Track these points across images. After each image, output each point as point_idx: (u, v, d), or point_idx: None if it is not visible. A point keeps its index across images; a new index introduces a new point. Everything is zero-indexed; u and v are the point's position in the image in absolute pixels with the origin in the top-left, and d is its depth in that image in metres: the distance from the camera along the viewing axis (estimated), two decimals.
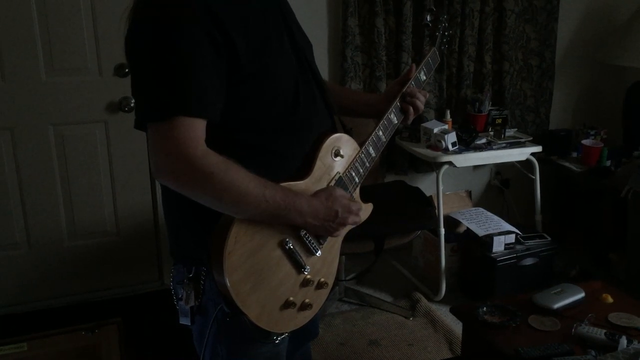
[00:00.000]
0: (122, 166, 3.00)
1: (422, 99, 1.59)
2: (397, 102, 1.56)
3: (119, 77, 2.87)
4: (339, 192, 1.35)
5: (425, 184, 3.56)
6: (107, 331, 2.17)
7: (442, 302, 3.14)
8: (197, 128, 1.16)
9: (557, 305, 2.16)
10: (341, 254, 2.98)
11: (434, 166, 3.23)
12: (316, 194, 1.31)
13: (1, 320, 2.81)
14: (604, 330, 1.97)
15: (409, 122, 1.61)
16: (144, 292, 3.11)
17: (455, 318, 2.35)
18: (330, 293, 3.10)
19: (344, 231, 1.39)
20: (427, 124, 3.27)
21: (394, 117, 1.56)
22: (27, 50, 2.74)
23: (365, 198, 1.51)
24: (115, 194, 3.04)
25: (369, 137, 1.49)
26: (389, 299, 3.21)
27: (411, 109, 1.58)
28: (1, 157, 2.82)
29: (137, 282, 3.16)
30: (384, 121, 1.53)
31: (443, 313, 2.99)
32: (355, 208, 1.36)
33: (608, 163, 3.36)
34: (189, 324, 1.37)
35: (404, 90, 1.58)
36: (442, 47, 1.83)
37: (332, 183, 1.37)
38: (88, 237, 3.05)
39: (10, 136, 2.81)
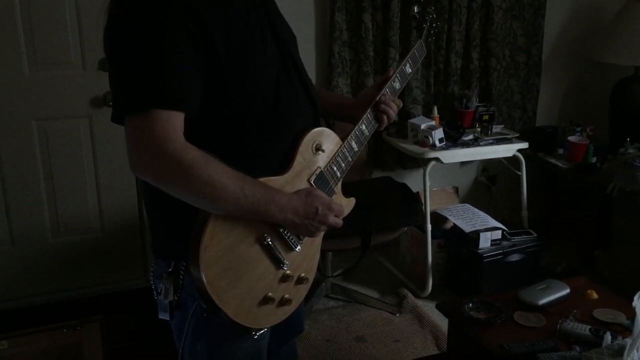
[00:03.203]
0: (107, 162, 2.98)
1: (395, 108, 1.56)
2: (370, 110, 1.53)
3: (103, 71, 2.84)
4: (320, 191, 1.34)
5: (412, 180, 3.55)
6: (89, 329, 2.14)
7: (429, 298, 3.13)
8: (174, 121, 1.15)
9: (542, 302, 2.16)
10: (328, 250, 2.99)
11: (421, 162, 3.23)
12: (296, 191, 1.30)
13: None
14: (589, 326, 1.97)
15: (382, 129, 1.58)
16: (129, 288, 3.08)
17: (441, 314, 2.34)
18: (316, 289, 3.10)
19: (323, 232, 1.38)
20: (414, 120, 3.27)
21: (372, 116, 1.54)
22: (10, 44, 2.70)
23: (351, 194, 1.50)
24: (100, 189, 3.01)
25: (351, 131, 1.48)
26: (375, 295, 3.20)
27: (385, 117, 1.55)
28: None
29: (122, 279, 3.13)
30: (367, 115, 1.52)
31: (429, 309, 2.99)
32: (336, 207, 1.35)
33: (594, 160, 3.37)
34: (168, 319, 1.36)
35: (378, 98, 1.54)
36: (430, 39, 1.80)
37: (313, 177, 1.36)
38: (72, 234, 3.02)
39: None
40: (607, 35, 3.48)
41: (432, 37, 1.83)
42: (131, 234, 3.13)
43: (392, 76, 1.60)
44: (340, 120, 1.61)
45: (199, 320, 1.30)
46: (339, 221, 1.37)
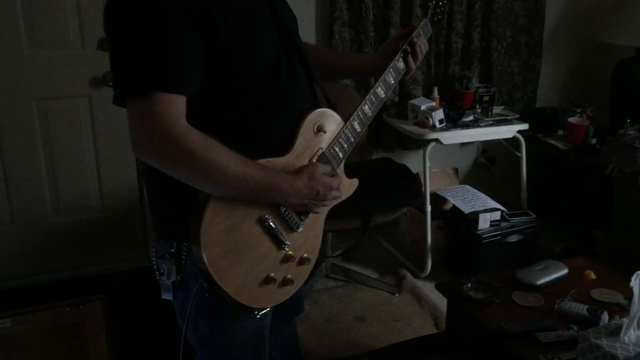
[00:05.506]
0: (107, 141, 2.97)
1: (424, 48, 1.60)
2: (399, 55, 1.55)
3: (102, 50, 2.82)
4: (321, 169, 1.34)
5: (412, 161, 3.55)
6: (92, 307, 2.15)
7: (428, 278, 3.15)
8: (177, 104, 1.15)
9: (540, 282, 2.17)
10: (328, 231, 3.00)
11: (421, 143, 3.22)
12: (298, 173, 1.30)
13: None
14: (586, 306, 1.99)
15: (410, 75, 1.62)
16: (130, 268, 3.09)
17: (440, 294, 2.36)
18: (316, 269, 3.11)
19: (325, 209, 1.38)
20: (414, 101, 3.26)
21: (381, 91, 1.52)
22: (8, 23, 2.68)
23: (351, 174, 1.50)
24: (100, 169, 3.01)
25: (354, 113, 1.48)
26: (375, 275, 3.22)
27: (412, 61, 1.57)
28: None
29: (123, 259, 3.14)
30: (370, 96, 1.51)
31: (428, 289, 3.01)
32: (335, 183, 1.35)
33: (594, 141, 3.37)
34: (171, 299, 1.37)
35: (411, 38, 1.57)
36: (435, 18, 1.75)
37: (315, 159, 1.36)
38: (73, 213, 3.03)
39: None
40: (609, 15, 3.46)
41: (438, 15, 1.79)
42: (132, 213, 3.13)
43: (416, 31, 1.60)
44: (365, 74, 1.66)
45: (201, 300, 1.31)
46: (339, 194, 1.38)
